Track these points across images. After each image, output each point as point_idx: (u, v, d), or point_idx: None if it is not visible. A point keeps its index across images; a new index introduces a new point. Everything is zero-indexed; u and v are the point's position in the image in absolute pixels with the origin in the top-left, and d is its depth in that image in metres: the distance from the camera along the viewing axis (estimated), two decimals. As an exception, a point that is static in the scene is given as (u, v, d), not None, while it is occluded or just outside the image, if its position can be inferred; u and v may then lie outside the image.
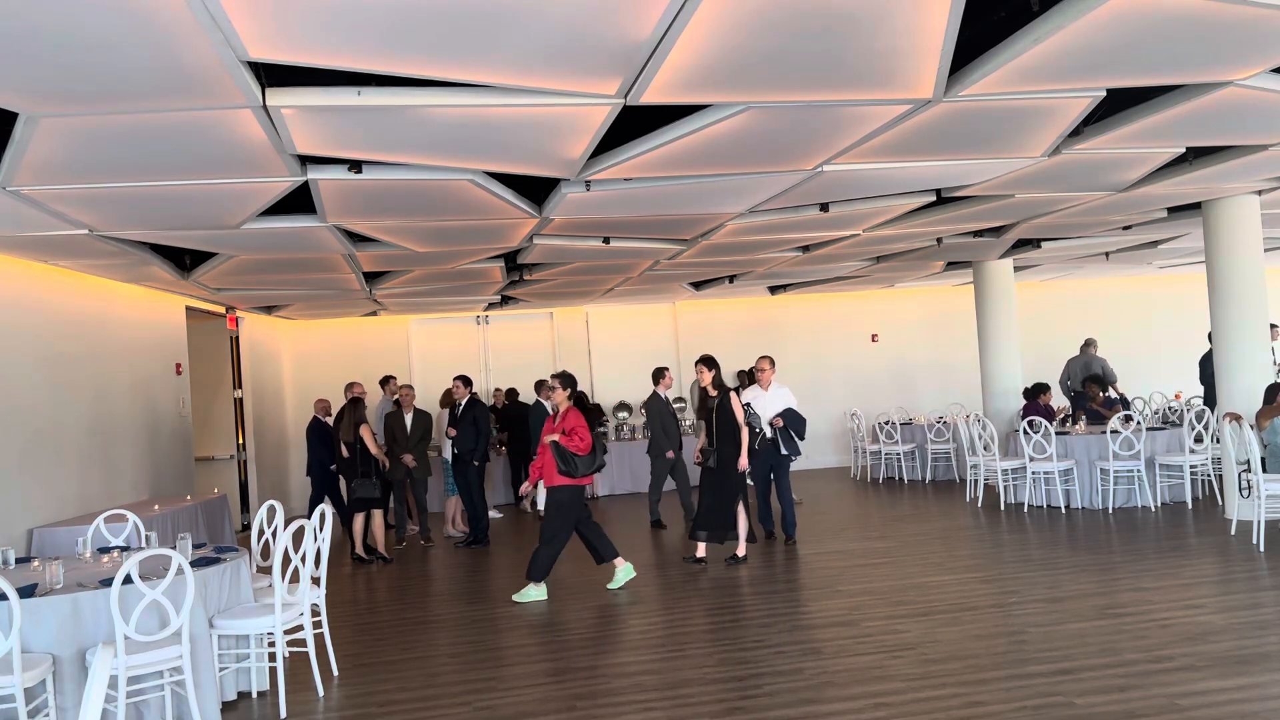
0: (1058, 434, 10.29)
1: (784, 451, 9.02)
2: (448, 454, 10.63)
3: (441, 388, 12.81)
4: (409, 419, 10.23)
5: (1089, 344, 13.09)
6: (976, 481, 11.10)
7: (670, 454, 10.16)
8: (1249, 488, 7.99)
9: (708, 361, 8.29)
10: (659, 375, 10.51)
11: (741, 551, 8.28)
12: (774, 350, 15.46)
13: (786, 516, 9.15)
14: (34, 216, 6.17)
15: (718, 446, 8.11)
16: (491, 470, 12.97)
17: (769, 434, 9.11)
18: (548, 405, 11.98)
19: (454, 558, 9.63)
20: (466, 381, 10.39)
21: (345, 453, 9.46)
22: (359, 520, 9.65)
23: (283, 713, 5.14)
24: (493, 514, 12.17)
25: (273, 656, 5.64)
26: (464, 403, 10.24)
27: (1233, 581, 6.63)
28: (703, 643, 5.91)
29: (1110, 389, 12.61)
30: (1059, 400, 13.12)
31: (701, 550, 8.30)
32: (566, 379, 7.66)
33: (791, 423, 9.01)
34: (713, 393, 8.24)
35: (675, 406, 11.16)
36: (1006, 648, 5.41)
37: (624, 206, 7.18)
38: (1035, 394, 11.31)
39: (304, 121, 4.67)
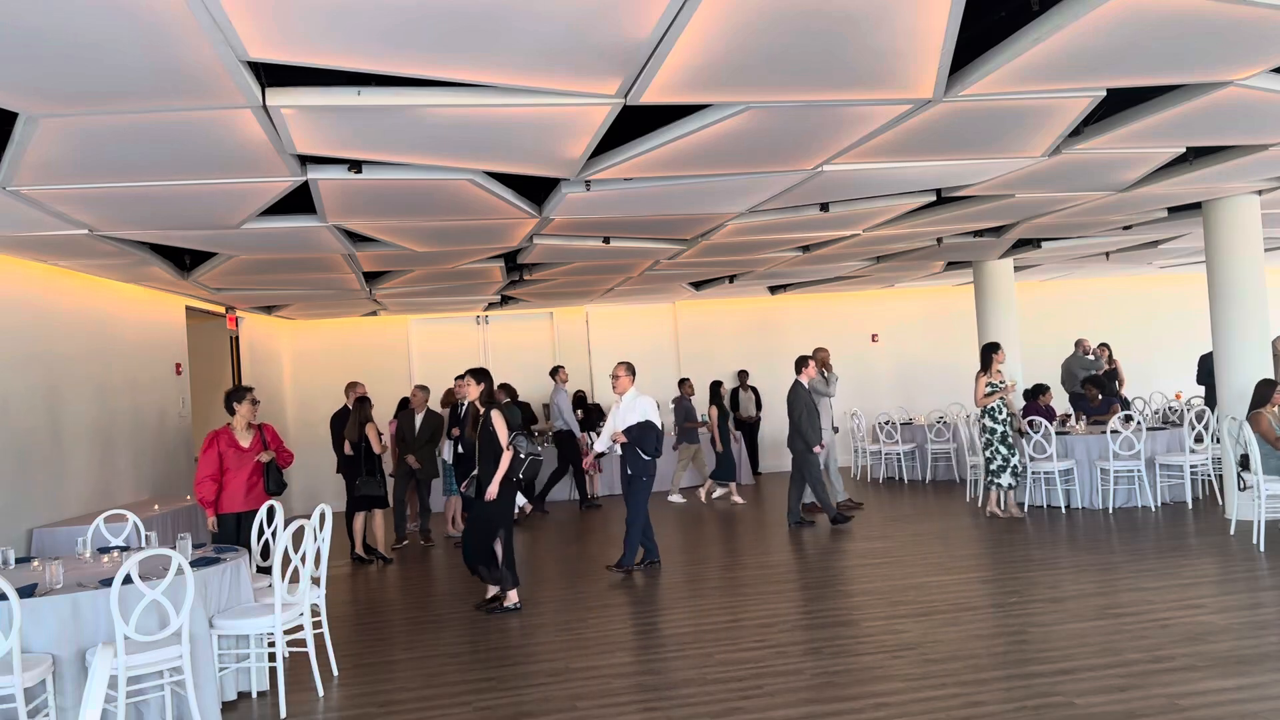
0: (1058, 434, 10.30)
1: (629, 471, 8.14)
2: (447, 454, 10.65)
3: (442, 388, 12.82)
4: (419, 420, 10.28)
5: (1075, 344, 13.10)
6: (976, 481, 11.09)
7: (819, 448, 9.59)
8: (1244, 483, 8.01)
9: (475, 374, 7.23)
10: (802, 363, 9.99)
11: (511, 600, 7.05)
12: (774, 350, 15.51)
13: (626, 540, 8.16)
14: (34, 216, 6.17)
15: (478, 472, 7.07)
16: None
17: (594, 452, 8.52)
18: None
19: (454, 558, 9.63)
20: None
21: (349, 451, 9.48)
22: (359, 520, 9.67)
23: (283, 713, 5.14)
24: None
25: (273, 656, 5.64)
26: (468, 402, 10.26)
27: (1233, 581, 6.63)
28: (703, 643, 5.91)
29: (1116, 381, 12.62)
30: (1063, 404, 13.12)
31: (512, 597, 7.09)
32: (240, 397, 6.94)
33: (638, 439, 8.05)
34: (481, 410, 7.16)
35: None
36: (1006, 648, 5.41)
37: (624, 206, 7.18)
38: (1035, 394, 11.31)
39: (304, 121, 4.67)
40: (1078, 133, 6.20)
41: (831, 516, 9.86)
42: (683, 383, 13.48)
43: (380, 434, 9.63)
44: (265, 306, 12.69)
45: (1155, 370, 16.06)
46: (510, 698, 5.13)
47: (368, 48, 3.85)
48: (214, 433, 6.92)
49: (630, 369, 8.46)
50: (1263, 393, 7.96)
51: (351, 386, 9.86)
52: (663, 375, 15.54)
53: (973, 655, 5.31)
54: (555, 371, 12.96)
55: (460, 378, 10.40)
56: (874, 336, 16.11)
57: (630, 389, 8.38)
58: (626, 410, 8.28)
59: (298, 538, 5.50)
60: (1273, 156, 7.20)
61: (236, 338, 12.40)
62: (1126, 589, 6.57)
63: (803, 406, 9.78)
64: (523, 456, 6.95)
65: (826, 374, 10.93)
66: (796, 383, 9.97)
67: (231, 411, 6.97)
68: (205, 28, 3.52)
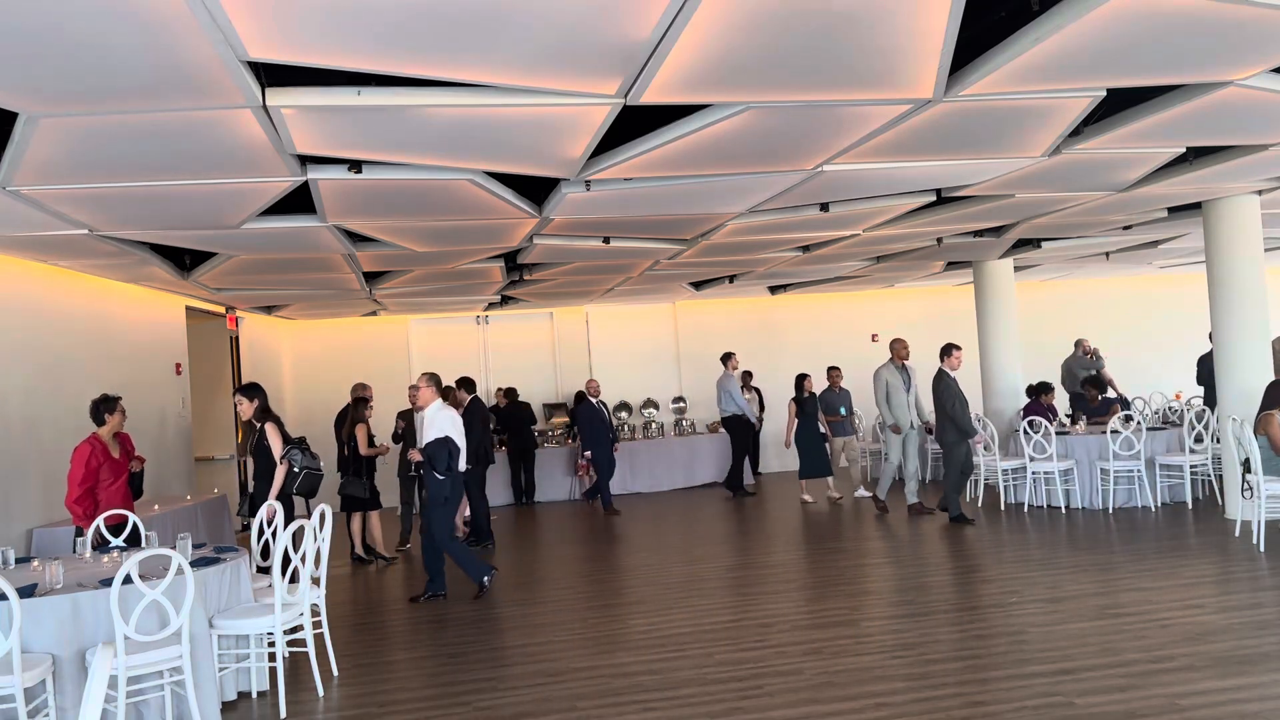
0: (1058, 434, 10.29)
1: (427, 491, 7.62)
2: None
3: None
4: (419, 418, 10.27)
5: (1075, 344, 13.09)
6: (976, 481, 11.09)
7: (978, 439, 9.17)
8: (1250, 489, 8.00)
9: (247, 391, 6.79)
10: (947, 351, 9.68)
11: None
12: (773, 350, 15.50)
13: (427, 566, 7.59)
14: (34, 216, 6.17)
15: (254, 489, 6.77)
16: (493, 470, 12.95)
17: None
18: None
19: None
20: (468, 386, 10.35)
21: (345, 452, 9.48)
22: (357, 520, 9.67)
23: (283, 713, 5.14)
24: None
25: (273, 656, 5.64)
26: (465, 404, 10.28)
27: (1233, 581, 6.63)
28: (703, 643, 5.91)
29: (1109, 388, 12.58)
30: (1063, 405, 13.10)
31: None
32: (111, 407, 6.65)
33: (430, 457, 7.45)
34: (258, 426, 6.87)
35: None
36: (1006, 648, 5.41)
37: (624, 206, 7.18)
38: (1039, 393, 11.29)
39: (304, 121, 4.67)
40: (1078, 133, 6.20)
41: (952, 516, 9.56)
42: (831, 370, 12.58)
43: (372, 436, 9.59)
44: (265, 306, 12.68)
45: (1155, 370, 16.05)
46: (510, 698, 5.13)
47: (368, 48, 3.85)
48: (89, 445, 6.51)
49: (432, 380, 7.72)
50: (1274, 395, 7.92)
51: (356, 387, 9.88)
52: (663, 375, 15.55)
53: (973, 655, 5.31)
54: (727, 358, 13.00)
55: (459, 383, 10.45)
56: (874, 336, 16.10)
57: (434, 402, 7.68)
58: (428, 425, 7.62)
59: (298, 538, 5.50)
60: (1273, 156, 7.20)
61: (236, 338, 12.40)
62: (1126, 589, 6.57)
63: (952, 395, 9.47)
64: (296, 470, 6.68)
65: (898, 367, 10.52)
66: (942, 371, 9.68)
67: (101, 422, 6.58)
68: (205, 27, 3.52)
